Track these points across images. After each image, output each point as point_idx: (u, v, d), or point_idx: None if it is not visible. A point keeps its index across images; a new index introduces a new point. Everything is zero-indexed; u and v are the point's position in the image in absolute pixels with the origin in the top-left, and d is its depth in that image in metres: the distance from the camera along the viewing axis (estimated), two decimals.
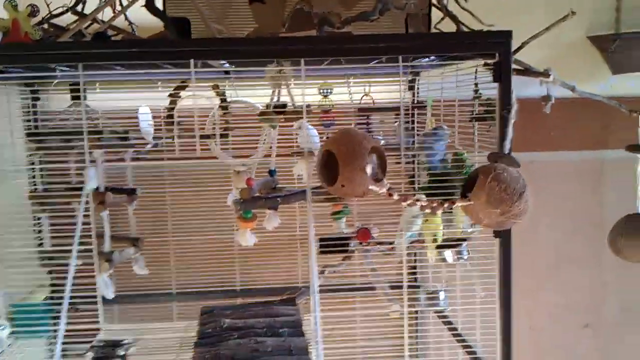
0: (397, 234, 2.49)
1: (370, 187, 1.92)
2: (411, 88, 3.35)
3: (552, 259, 3.80)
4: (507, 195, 1.93)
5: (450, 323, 2.78)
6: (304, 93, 2.70)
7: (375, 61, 2.39)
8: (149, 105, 2.84)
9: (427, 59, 2.51)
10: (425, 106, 3.10)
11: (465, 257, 2.51)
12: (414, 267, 3.53)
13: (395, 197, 1.92)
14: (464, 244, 2.50)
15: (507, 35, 2.10)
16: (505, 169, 1.97)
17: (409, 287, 2.27)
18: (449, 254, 2.51)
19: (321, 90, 2.94)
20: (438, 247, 2.48)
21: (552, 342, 3.82)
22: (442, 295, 2.33)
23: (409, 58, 2.23)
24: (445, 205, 1.95)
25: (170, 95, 2.41)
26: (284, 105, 2.59)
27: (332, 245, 2.17)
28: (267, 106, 2.56)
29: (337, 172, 1.95)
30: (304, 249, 3.52)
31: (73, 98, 2.45)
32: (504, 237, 2.17)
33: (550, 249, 3.79)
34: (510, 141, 2.11)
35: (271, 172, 2.79)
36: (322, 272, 2.94)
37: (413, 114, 3.24)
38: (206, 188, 3.36)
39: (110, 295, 2.36)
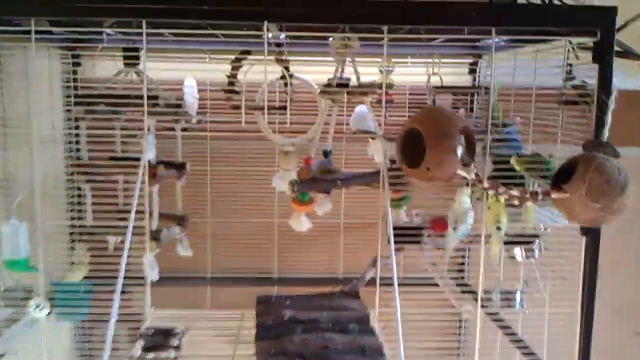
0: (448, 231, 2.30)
1: (459, 171, 1.72)
2: (473, 71, 3.13)
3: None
4: (609, 188, 1.72)
5: (508, 327, 2.57)
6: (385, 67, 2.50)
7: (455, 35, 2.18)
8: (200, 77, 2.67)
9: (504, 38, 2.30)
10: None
11: (537, 256, 2.31)
12: (462, 264, 3.37)
13: (485, 184, 1.73)
14: (537, 240, 2.29)
15: (611, 11, 1.89)
16: (607, 159, 1.77)
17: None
18: (518, 252, 2.31)
19: (382, 68, 2.74)
20: (506, 243, 2.28)
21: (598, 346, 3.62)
22: (518, 296, 2.13)
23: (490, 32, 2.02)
24: (540, 197, 1.75)
25: (233, 61, 2.22)
26: (347, 82, 2.40)
27: (403, 235, 1.98)
28: (329, 81, 2.37)
29: (419, 154, 1.75)
30: (348, 237, 3.34)
31: (126, 63, 2.26)
32: (592, 235, 1.96)
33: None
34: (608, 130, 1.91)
35: (326, 153, 2.60)
36: (373, 264, 2.77)
37: (472, 99, 3.02)
38: (250, 168, 3.18)
39: (155, 277, 2.19)
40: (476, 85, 3.08)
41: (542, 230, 2.35)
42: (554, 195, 1.76)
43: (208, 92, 2.98)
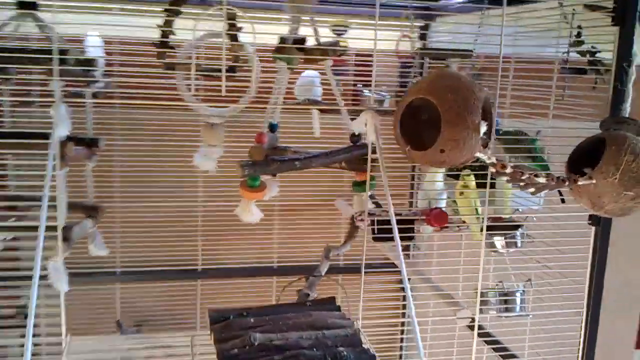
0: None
1: (478, 154, 1.37)
2: (423, 37, 2.80)
3: None
4: None
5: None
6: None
7: None
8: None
9: None
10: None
11: (520, 245, 2.02)
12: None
13: (509, 169, 1.39)
14: (519, 230, 2.01)
15: None
16: (638, 140, 1.48)
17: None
18: (499, 241, 2.02)
19: (334, 29, 2.34)
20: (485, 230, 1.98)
21: None
22: (518, 297, 1.83)
23: None
24: (566, 183, 1.44)
25: (167, 9, 1.71)
26: (303, 41, 1.98)
27: (389, 229, 1.60)
28: (283, 40, 1.94)
29: (421, 132, 1.39)
30: (283, 222, 2.94)
31: (21, 5, 1.70)
32: (603, 226, 1.70)
33: None
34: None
35: (272, 127, 2.17)
36: (327, 256, 2.39)
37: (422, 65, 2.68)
38: (168, 143, 2.68)
39: (66, 287, 1.70)
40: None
41: (520, 215, 2.07)
42: (582, 182, 1.46)
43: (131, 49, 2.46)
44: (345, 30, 2.34)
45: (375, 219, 1.57)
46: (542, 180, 1.40)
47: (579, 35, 1.75)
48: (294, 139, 2.44)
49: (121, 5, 2.28)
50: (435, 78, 1.38)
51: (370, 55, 2.83)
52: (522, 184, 1.46)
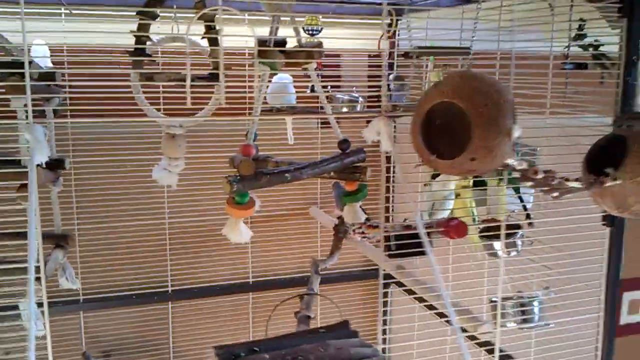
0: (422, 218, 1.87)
1: (509, 160, 1.27)
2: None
3: None
4: None
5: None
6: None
7: None
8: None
9: None
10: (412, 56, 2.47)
11: (520, 250, 1.94)
12: None
13: (540, 175, 1.29)
14: (520, 232, 1.93)
15: None
16: None
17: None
18: (499, 246, 1.93)
19: (306, 28, 2.20)
20: (483, 235, 1.88)
21: None
22: (536, 306, 1.73)
23: None
24: (594, 186, 1.35)
25: (139, 15, 1.52)
26: (284, 43, 1.83)
27: (408, 243, 1.46)
28: (262, 43, 1.78)
29: (435, 138, 1.28)
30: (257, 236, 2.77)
31: None
32: (618, 226, 1.63)
33: None
34: None
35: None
36: (316, 271, 2.25)
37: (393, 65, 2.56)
38: (129, 157, 2.47)
39: (41, 332, 1.49)
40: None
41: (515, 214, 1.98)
42: (609, 183, 1.37)
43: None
44: (319, 30, 2.20)
45: (392, 233, 1.44)
46: (577, 185, 1.31)
47: (580, 28, 1.67)
48: (266, 147, 2.29)
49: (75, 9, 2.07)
50: (460, 80, 1.26)
51: (339, 56, 2.72)
52: (546, 188, 1.37)
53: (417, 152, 1.34)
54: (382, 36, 2.06)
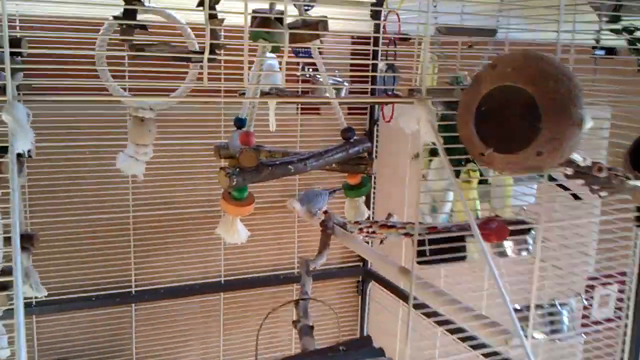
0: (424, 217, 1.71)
1: (574, 155, 1.11)
2: (375, 15, 2.50)
3: None
4: None
5: None
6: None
7: None
8: None
9: None
10: (408, 39, 2.30)
11: (531, 250, 1.80)
12: None
13: (604, 174, 1.14)
14: (530, 232, 1.79)
15: None
16: None
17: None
18: (509, 245, 1.79)
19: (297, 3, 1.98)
20: None
21: None
22: (566, 315, 1.58)
23: None
24: None
25: None
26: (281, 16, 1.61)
27: (439, 247, 1.28)
28: (257, 15, 1.56)
29: (488, 129, 1.11)
30: None
31: None
32: None
33: None
34: None
35: (241, 122, 1.80)
36: (307, 272, 2.05)
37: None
38: (87, 142, 2.20)
39: (6, 353, 1.26)
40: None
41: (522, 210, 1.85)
42: None
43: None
44: (312, 6, 1.99)
45: (426, 238, 1.26)
46: (637, 183, 1.17)
47: (616, 9, 1.53)
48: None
49: None
50: (524, 60, 1.09)
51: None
52: (596, 186, 1.22)
53: (466, 144, 1.16)
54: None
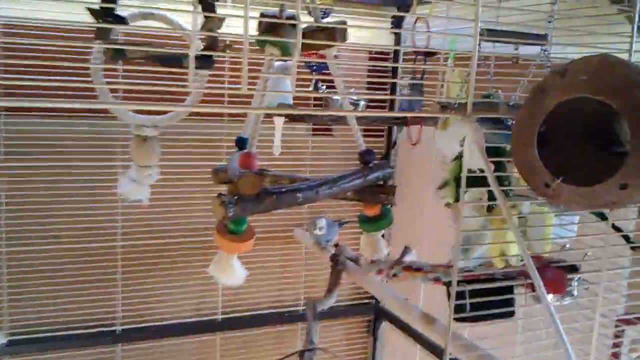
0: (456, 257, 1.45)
1: None
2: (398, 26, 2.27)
3: None
4: None
5: None
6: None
7: None
8: None
9: None
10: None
11: (575, 294, 1.54)
12: None
13: None
14: (577, 275, 1.53)
15: None
16: None
17: None
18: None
19: (311, 10, 1.76)
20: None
21: None
22: None
23: None
24: None
25: None
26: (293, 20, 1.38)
27: (483, 301, 1.02)
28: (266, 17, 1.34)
29: (560, 154, 0.87)
30: None
31: None
32: None
33: None
34: None
35: (243, 142, 1.56)
36: (314, 316, 1.79)
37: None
38: (76, 163, 1.96)
39: None
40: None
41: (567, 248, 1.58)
42: None
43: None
44: (329, 13, 1.76)
45: (467, 289, 0.99)
46: None
47: None
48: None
49: None
50: (599, 66, 0.84)
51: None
52: None
53: (523, 172, 0.91)
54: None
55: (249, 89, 0.95)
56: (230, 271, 1.30)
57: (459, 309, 1.09)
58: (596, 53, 0.93)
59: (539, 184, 0.89)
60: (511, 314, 1.07)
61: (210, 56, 1.18)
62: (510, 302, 1.07)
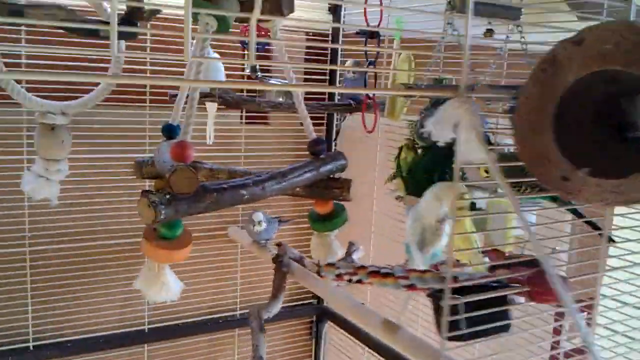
0: (411, 254, 1.29)
1: None
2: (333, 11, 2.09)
3: None
4: None
5: None
6: None
7: None
8: None
9: None
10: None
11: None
12: None
13: None
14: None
15: None
16: None
17: None
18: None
19: None
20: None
21: None
22: None
23: None
24: None
25: None
26: None
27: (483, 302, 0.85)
28: None
29: (577, 142, 0.71)
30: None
31: None
32: None
33: None
34: None
35: (173, 131, 1.34)
36: (260, 328, 1.59)
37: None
38: None
39: None
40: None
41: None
42: None
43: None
44: None
45: (462, 301, 0.81)
46: None
47: None
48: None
49: None
50: (629, 33, 0.69)
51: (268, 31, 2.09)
52: None
53: (532, 164, 0.75)
54: None
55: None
56: (162, 285, 1.08)
57: (439, 323, 0.93)
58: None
59: (554, 177, 0.73)
60: (506, 329, 0.91)
61: (135, 24, 0.96)
62: (504, 315, 0.91)
